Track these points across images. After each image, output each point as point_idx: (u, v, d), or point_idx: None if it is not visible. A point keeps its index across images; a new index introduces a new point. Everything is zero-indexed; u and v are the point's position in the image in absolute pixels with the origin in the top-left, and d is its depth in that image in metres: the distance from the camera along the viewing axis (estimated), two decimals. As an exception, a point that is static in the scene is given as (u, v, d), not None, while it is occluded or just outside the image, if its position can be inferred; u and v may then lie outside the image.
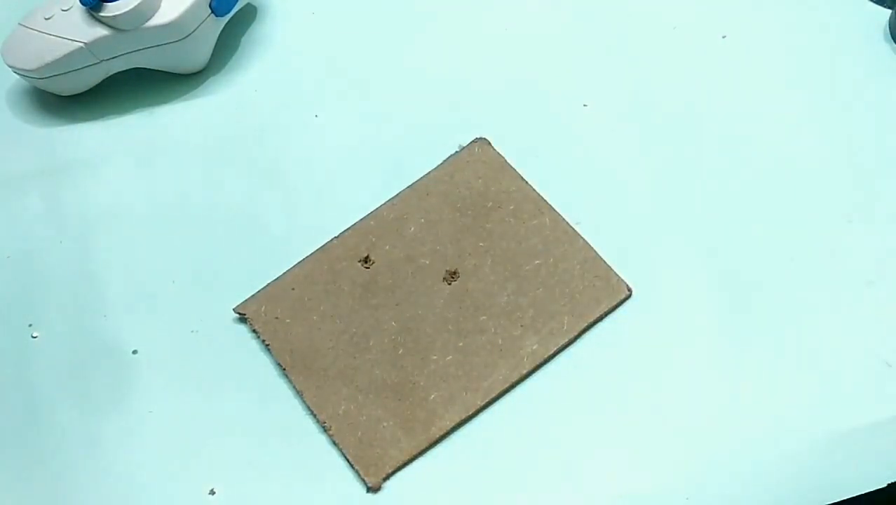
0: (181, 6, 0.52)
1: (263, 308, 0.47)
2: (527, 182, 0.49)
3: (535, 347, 0.45)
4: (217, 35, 0.56)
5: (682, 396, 0.43)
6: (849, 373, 0.43)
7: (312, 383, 0.45)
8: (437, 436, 0.43)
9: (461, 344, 0.45)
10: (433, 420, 0.43)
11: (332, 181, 0.52)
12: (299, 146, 0.53)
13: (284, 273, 0.48)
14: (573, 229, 0.48)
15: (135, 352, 0.47)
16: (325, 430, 0.44)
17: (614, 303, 0.46)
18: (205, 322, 0.48)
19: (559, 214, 0.48)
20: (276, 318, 0.47)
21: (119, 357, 0.47)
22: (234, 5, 0.55)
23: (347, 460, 0.43)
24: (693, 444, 0.42)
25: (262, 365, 0.46)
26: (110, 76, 0.55)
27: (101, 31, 0.52)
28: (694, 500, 0.41)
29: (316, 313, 0.47)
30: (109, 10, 0.51)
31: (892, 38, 0.53)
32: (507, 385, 0.44)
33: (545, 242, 0.47)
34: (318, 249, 0.49)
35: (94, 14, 0.51)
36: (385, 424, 0.44)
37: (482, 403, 0.44)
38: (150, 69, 0.55)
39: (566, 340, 0.45)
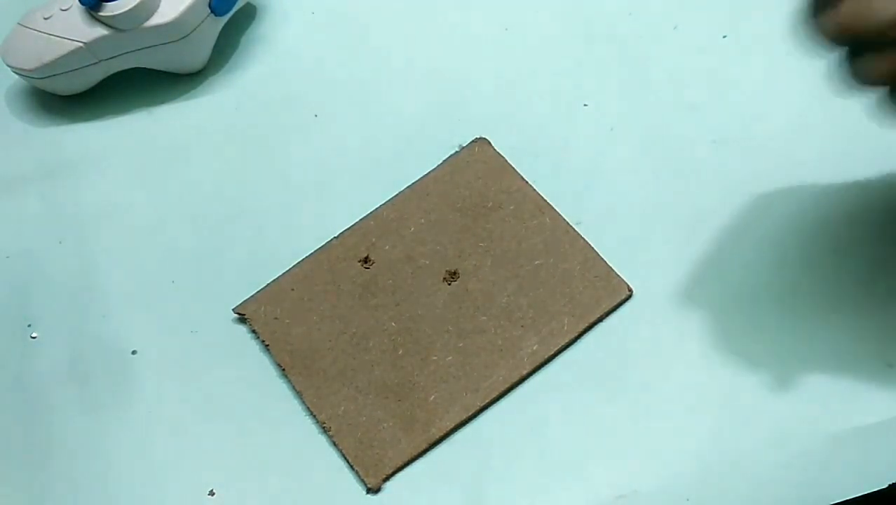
0: (180, 6, 0.52)
1: (263, 308, 0.47)
2: (527, 182, 0.49)
3: (535, 348, 0.45)
4: (216, 35, 0.56)
5: (682, 396, 0.43)
6: (849, 373, 0.43)
7: (312, 384, 0.45)
8: (437, 437, 0.43)
9: (461, 344, 0.45)
10: (433, 421, 0.43)
11: (332, 181, 0.52)
12: (299, 146, 0.53)
13: (284, 273, 0.48)
14: (573, 229, 0.48)
15: (134, 352, 0.47)
16: (325, 430, 0.44)
17: (615, 303, 0.45)
18: (204, 322, 0.48)
19: (559, 214, 0.48)
20: (276, 318, 0.47)
21: (119, 357, 0.47)
22: (233, 5, 0.55)
23: (347, 461, 0.43)
24: (693, 444, 0.42)
25: (262, 365, 0.46)
26: (110, 76, 0.55)
27: (101, 31, 0.52)
28: (694, 500, 0.41)
29: (315, 314, 0.47)
30: (109, 10, 0.51)
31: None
32: (507, 386, 0.44)
33: (545, 242, 0.47)
34: (317, 249, 0.49)
35: (94, 14, 0.51)
36: (385, 424, 0.44)
37: (482, 404, 0.44)
38: (149, 69, 0.55)
39: (566, 340, 0.45)
